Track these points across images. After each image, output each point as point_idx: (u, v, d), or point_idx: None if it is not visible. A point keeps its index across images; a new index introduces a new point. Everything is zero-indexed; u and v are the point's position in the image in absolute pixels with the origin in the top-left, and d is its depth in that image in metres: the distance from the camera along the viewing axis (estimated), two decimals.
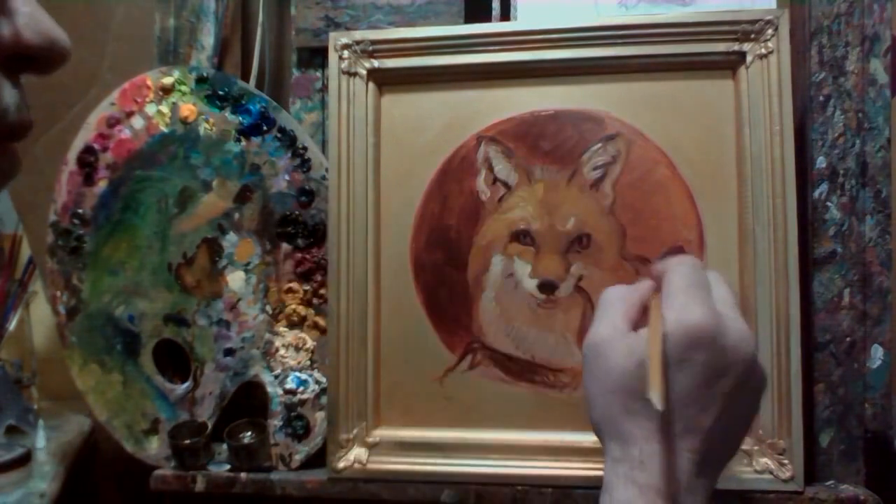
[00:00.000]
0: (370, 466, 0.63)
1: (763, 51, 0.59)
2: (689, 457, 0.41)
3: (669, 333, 0.40)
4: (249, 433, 0.66)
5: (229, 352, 0.68)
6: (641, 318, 0.45)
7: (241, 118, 0.68)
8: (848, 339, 0.61)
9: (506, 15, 0.68)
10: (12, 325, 0.86)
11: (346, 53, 0.64)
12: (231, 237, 0.68)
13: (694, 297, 0.42)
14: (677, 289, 0.42)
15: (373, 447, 0.63)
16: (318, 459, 0.65)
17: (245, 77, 0.73)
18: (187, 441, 0.65)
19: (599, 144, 0.62)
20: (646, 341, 0.41)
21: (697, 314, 0.41)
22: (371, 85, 0.65)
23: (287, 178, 0.67)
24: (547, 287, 0.62)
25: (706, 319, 0.40)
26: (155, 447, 0.69)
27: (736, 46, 0.60)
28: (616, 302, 0.45)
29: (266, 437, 0.65)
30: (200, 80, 0.68)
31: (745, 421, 0.44)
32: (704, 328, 0.40)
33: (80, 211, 0.70)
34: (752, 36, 0.60)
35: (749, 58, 0.60)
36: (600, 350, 0.43)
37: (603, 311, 0.45)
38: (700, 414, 0.41)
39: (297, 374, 0.66)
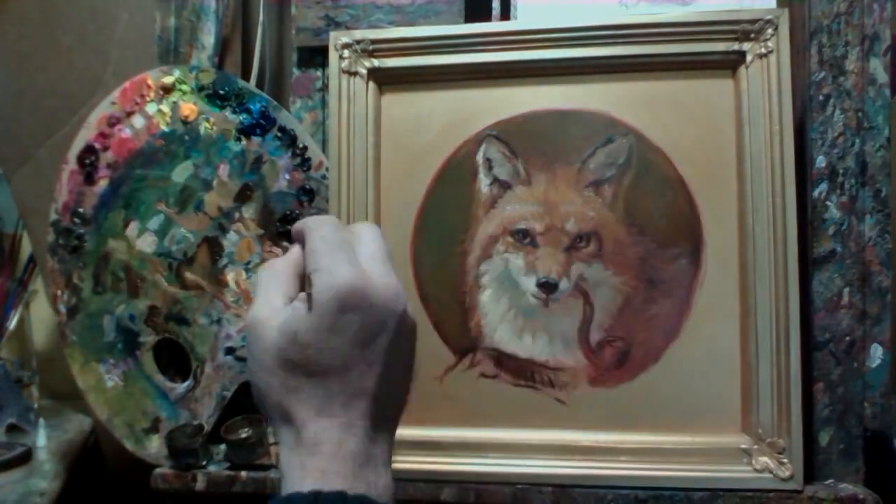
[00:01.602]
0: None
1: (763, 50, 0.59)
2: (361, 424, 0.40)
3: (318, 301, 0.39)
4: (246, 429, 0.66)
5: (230, 351, 0.68)
6: (297, 286, 0.44)
7: (241, 117, 0.68)
8: (847, 338, 0.61)
9: (506, 14, 0.68)
10: (13, 323, 0.86)
11: (346, 53, 0.64)
12: (231, 236, 0.68)
13: (338, 258, 0.40)
14: (319, 252, 0.41)
15: None
16: None
17: (245, 76, 0.73)
18: (184, 443, 0.65)
19: (600, 144, 0.62)
20: (298, 313, 0.40)
21: (344, 275, 0.39)
22: (371, 84, 0.65)
23: (287, 177, 0.67)
24: (547, 286, 0.62)
25: (353, 279, 0.39)
26: (155, 446, 0.69)
27: (736, 46, 0.60)
28: (270, 279, 0.43)
29: (263, 434, 0.66)
30: (202, 88, 0.69)
31: (407, 372, 0.43)
32: (353, 288, 0.39)
33: (80, 210, 0.71)
34: (752, 35, 0.60)
35: (749, 57, 0.60)
36: (257, 330, 0.41)
37: (259, 290, 0.43)
38: (362, 377, 0.40)
39: None
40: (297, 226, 0.45)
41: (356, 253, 0.42)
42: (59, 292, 0.72)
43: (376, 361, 0.40)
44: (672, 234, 0.61)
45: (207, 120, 0.69)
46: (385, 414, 0.41)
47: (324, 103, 0.71)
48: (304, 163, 0.67)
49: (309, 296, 0.40)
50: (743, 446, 0.59)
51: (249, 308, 0.43)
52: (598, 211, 0.62)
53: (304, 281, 0.44)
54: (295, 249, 0.45)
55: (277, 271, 0.44)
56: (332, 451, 0.39)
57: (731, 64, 0.61)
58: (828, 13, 0.62)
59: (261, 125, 0.68)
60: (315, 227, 0.43)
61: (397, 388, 0.43)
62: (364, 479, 0.39)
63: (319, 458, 0.39)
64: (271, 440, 0.66)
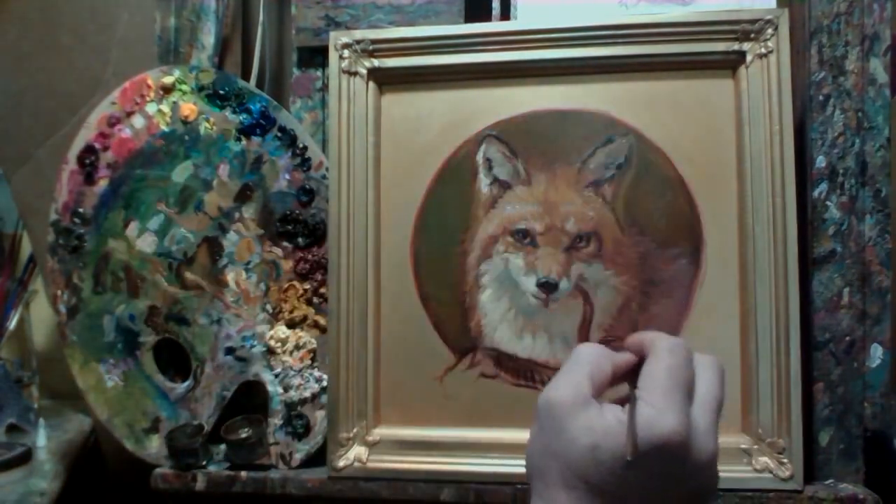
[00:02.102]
0: (370, 465, 0.63)
1: (763, 50, 0.59)
2: None
3: (638, 437, 0.38)
4: (246, 429, 0.66)
5: (230, 351, 0.68)
6: (607, 387, 0.43)
7: (241, 117, 0.68)
8: (847, 338, 0.61)
9: (506, 14, 0.68)
10: (13, 323, 0.86)
11: (346, 53, 0.64)
12: (231, 236, 0.68)
13: (671, 402, 0.39)
14: (658, 385, 0.40)
15: (373, 446, 0.63)
16: (318, 458, 0.65)
17: (245, 76, 0.73)
18: (184, 443, 0.65)
19: (599, 144, 0.62)
20: (612, 427, 0.39)
21: (671, 423, 0.38)
22: (371, 84, 0.65)
23: (287, 177, 0.67)
24: (547, 286, 0.62)
25: (677, 434, 0.38)
26: (155, 446, 0.69)
27: (736, 46, 0.60)
28: (585, 362, 0.42)
29: (263, 434, 0.66)
30: (202, 88, 0.69)
31: None
32: (672, 440, 0.38)
33: (80, 210, 0.71)
34: (752, 35, 0.60)
35: (749, 57, 0.60)
36: (556, 412, 0.41)
37: (569, 367, 0.43)
38: None
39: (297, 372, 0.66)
40: (644, 337, 0.44)
41: (693, 396, 0.41)
42: (59, 292, 0.72)
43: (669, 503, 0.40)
44: (672, 234, 0.61)
45: (207, 120, 0.69)
46: None
47: (324, 103, 0.71)
48: (304, 163, 0.67)
49: (631, 419, 0.39)
50: (743, 446, 0.59)
51: (554, 379, 0.42)
52: (598, 211, 0.62)
53: (622, 380, 0.43)
54: (626, 357, 0.44)
55: (596, 359, 0.43)
56: None
57: (731, 64, 0.61)
58: (828, 13, 0.62)
59: (261, 125, 0.68)
60: (667, 352, 0.42)
61: None
62: None
63: None
64: (271, 440, 0.66)
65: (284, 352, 0.67)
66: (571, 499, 0.39)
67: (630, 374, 0.43)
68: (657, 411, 0.39)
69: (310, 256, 0.67)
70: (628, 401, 0.40)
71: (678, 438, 0.38)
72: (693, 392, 0.41)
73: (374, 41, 0.64)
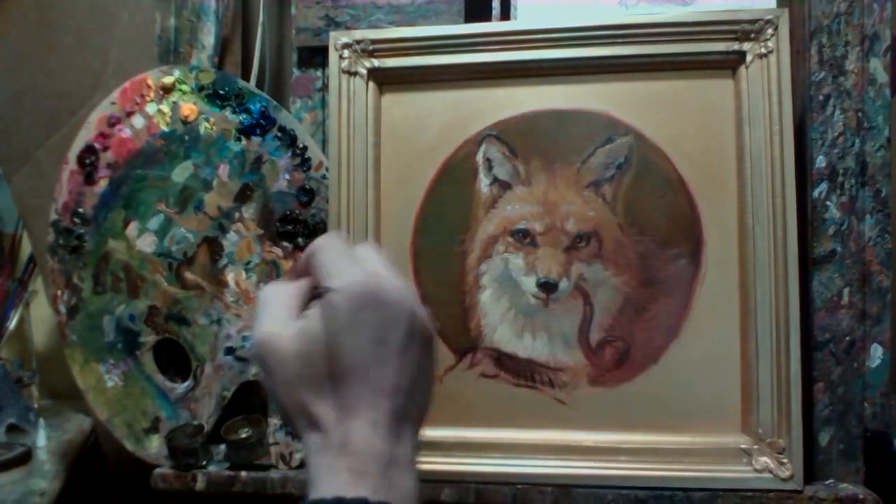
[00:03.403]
0: None
1: (763, 50, 0.59)
2: (385, 424, 0.40)
3: (335, 301, 0.40)
4: (246, 429, 0.66)
5: (230, 351, 0.68)
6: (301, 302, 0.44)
7: (241, 117, 0.68)
8: (847, 338, 0.61)
9: (506, 14, 0.68)
10: (13, 323, 0.86)
11: (346, 53, 0.64)
12: (231, 236, 0.68)
13: (348, 262, 0.42)
14: (330, 263, 0.42)
15: None
16: None
17: (245, 76, 0.73)
18: (184, 443, 0.65)
19: (599, 144, 0.62)
20: (314, 320, 0.41)
21: (357, 274, 0.41)
22: (371, 84, 0.65)
23: (287, 177, 0.67)
24: (547, 286, 0.62)
25: (366, 277, 0.41)
26: (155, 446, 0.69)
27: (736, 46, 0.60)
28: (274, 296, 0.44)
29: (263, 434, 0.66)
30: (202, 88, 0.69)
31: (426, 372, 0.44)
32: (366, 285, 0.41)
33: (80, 210, 0.71)
34: (752, 35, 0.60)
35: (749, 57, 0.60)
36: (270, 343, 0.42)
37: (263, 307, 0.44)
38: (382, 376, 0.41)
39: None
40: (304, 254, 0.46)
41: (362, 261, 0.43)
42: (59, 292, 0.72)
43: (392, 359, 0.41)
44: (672, 234, 0.61)
45: (207, 120, 0.69)
46: (407, 414, 0.42)
47: (324, 103, 0.71)
48: (304, 163, 0.67)
49: (324, 305, 0.41)
50: (743, 446, 0.59)
51: (255, 326, 0.44)
52: (598, 211, 0.62)
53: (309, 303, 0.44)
54: (303, 280, 0.46)
55: (281, 290, 0.45)
56: (360, 449, 0.39)
57: (731, 64, 0.61)
58: (828, 13, 0.62)
59: (261, 125, 0.68)
60: (322, 244, 0.44)
61: (417, 388, 0.43)
62: (389, 480, 0.39)
63: (348, 458, 0.39)
64: (271, 440, 0.66)
65: None
66: (325, 404, 0.40)
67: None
68: (339, 272, 0.41)
69: None
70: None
71: (368, 279, 0.41)
72: (364, 260, 0.43)
73: (374, 41, 0.64)
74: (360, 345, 0.40)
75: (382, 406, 0.41)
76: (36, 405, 0.84)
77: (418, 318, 0.42)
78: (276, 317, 0.43)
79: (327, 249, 0.44)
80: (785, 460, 0.58)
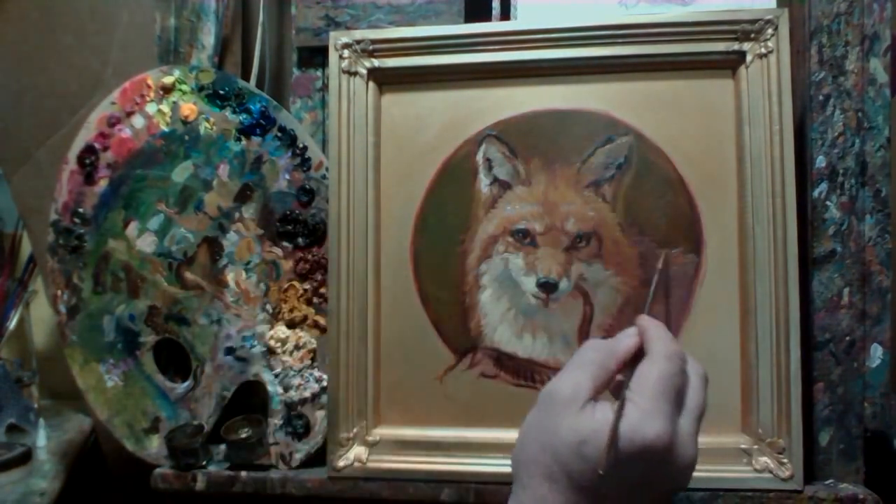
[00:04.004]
0: (370, 465, 0.63)
1: (763, 50, 0.59)
2: None
3: (622, 437, 0.40)
4: (246, 429, 0.66)
5: (230, 351, 0.68)
6: (610, 382, 0.45)
7: (241, 117, 0.68)
8: (847, 338, 0.61)
9: (506, 14, 0.68)
10: (13, 323, 0.86)
11: (346, 53, 0.64)
12: (231, 236, 0.68)
13: (659, 408, 0.41)
14: (649, 389, 0.42)
15: (373, 446, 0.63)
16: (318, 458, 0.65)
17: (245, 76, 0.73)
18: (184, 443, 0.65)
19: (600, 144, 0.62)
20: (598, 424, 0.41)
21: (656, 429, 0.40)
22: (371, 84, 0.65)
23: (287, 177, 0.67)
24: (547, 286, 0.62)
25: (661, 438, 0.40)
26: (155, 446, 0.69)
27: (736, 46, 0.60)
28: (590, 361, 0.44)
29: (263, 434, 0.66)
30: (202, 88, 0.69)
31: None
32: (655, 446, 0.40)
33: (80, 210, 0.71)
34: (752, 35, 0.60)
35: (749, 57, 0.60)
36: (554, 407, 0.43)
37: (575, 364, 0.44)
38: None
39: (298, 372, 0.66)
40: (646, 324, 0.46)
41: (682, 403, 0.43)
42: (59, 292, 0.72)
43: (645, 502, 0.42)
44: (672, 234, 0.61)
45: (207, 120, 0.69)
46: None
47: (324, 103, 0.71)
48: (304, 163, 0.67)
49: (614, 425, 0.40)
50: (743, 446, 0.59)
51: (559, 374, 0.44)
52: (598, 211, 0.62)
53: (620, 374, 0.45)
54: (631, 342, 0.46)
55: (600, 358, 0.45)
56: None
57: (731, 64, 0.61)
58: (828, 13, 0.62)
59: (261, 125, 0.68)
60: (664, 359, 0.43)
61: None
62: None
63: None
64: (271, 440, 0.66)
65: (284, 352, 0.67)
66: (553, 490, 0.41)
67: (627, 363, 0.45)
68: (644, 415, 0.40)
69: (310, 256, 0.67)
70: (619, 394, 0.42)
71: (661, 444, 0.40)
72: (682, 399, 0.43)
73: (374, 41, 0.64)
74: (616, 482, 0.40)
75: None
76: (36, 405, 0.84)
77: (688, 474, 0.42)
78: (580, 385, 0.43)
79: (661, 370, 0.42)
80: (785, 460, 0.58)
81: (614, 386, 0.46)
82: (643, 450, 0.40)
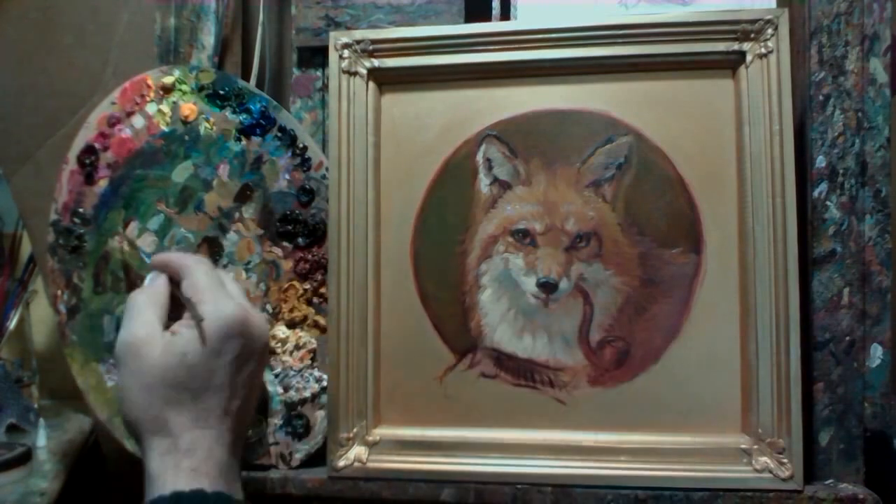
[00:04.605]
0: (370, 465, 0.63)
1: (763, 50, 0.59)
2: (228, 438, 0.47)
3: (208, 328, 0.47)
4: None
5: None
6: (166, 313, 0.52)
7: (241, 117, 0.68)
8: (847, 338, 0.61)
9: (506, 14, 0.68)
10: (13, 323, 0.86)
11: (346, 53, 0.64)
12: (231, 236, 0.68)
13: (222, 293, 0.49)
14: (204, 287, 0.50)
15: (373, 446, 0.63)
16: (318, 458, 0.65)
17: (245, 76, 0.73)
18: None
19: (600, 144, 0.62)
20: (186, 337, 0.47)
21: (231, 308, 0.48)
22: (371, 84, 0.65)
23: (287, 177, 0.67)
24: (547, 286, 0.62)
25: (238, 311, 0.48)
26: None
27: (736, 46, 0.60)
28: (147, 304, 0.51)
29: (263, 434, 0.66)
30: (202, 88, 0.69)
31: (256, 395, 0.54)
32: (237, 319, 0.48)
33: (80, 210, 0.71)
34: (752, 35, 0.60)
35: (749, 57, 0.60)
36: (138, 349, 0.48)
37: (134, 313, 0.50)
38: (233, 397, 0.48)
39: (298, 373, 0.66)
40: (164, 258, 0.55)
41: (234, 294, 0.52)
42: (59, 292, 0.71)
43: (244, 385, 0.49)
44: (672, 234, 0.61)
45: (207, 120, 0.69)
46: (242, 430, 0.50)
47: (324, 103, 0.71)
48: (304, 163, 0.67)
49: (199, 324, 0.47)
50: (743, 446, 0.59)
51: (124, 328, 0.49)
52: (598, 211, 0.62)
53: (174, 308, 0.52)
54: (163, 279, 0.54)
55: (153, 298, 0.52)
56: (204, 455, 0.46)
57: (731, 64, 0.61)
58: (828, 13, 0.62)
59: (261, 125, 0.68)
60: (194, 264, 0.52)
61: (251, 410, 0.52)
62: (224, 480, 0.46)
63: (193, 459, 0.45)
64: (271, 440, 0.66)
65: (284, 352, 0.67)
66: (180, 413, 0.46)
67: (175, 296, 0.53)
68: (213, 303, 0.49)
69: (310, 256, 0.67)
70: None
71: (240, 314, 0.48)
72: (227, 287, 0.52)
73: (374, 41, 0.64)
74: (221, 369, 0.47)
75: (227, 423, 0.48)
76: (36, 405, 0.84)
77: (266, 349, 0.52)
78: (148, 324, 0.49)
79: (201, 274, 0.51)
80: (785, 460, 0.58)
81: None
82: (232, 327, 0.47)
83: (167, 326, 0.51)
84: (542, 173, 0.63)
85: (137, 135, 0.70)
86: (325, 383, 0.66)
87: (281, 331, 0.67)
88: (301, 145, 0.67)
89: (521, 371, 0.63)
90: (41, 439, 0.78)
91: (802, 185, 0.61)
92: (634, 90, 0.62)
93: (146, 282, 0.56)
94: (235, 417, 0.48)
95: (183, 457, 0.45)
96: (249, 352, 0.49)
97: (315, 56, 0.71)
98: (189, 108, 0.69)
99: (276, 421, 0.66)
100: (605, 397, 0.61)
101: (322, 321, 0.66)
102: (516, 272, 0.63)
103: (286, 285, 0.67)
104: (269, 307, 0.67)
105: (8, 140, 0.81)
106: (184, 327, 0.48)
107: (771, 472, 0.58)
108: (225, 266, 0.68)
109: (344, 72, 0.65)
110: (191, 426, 0.46)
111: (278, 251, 0.67)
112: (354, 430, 0.63)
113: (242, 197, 0.68)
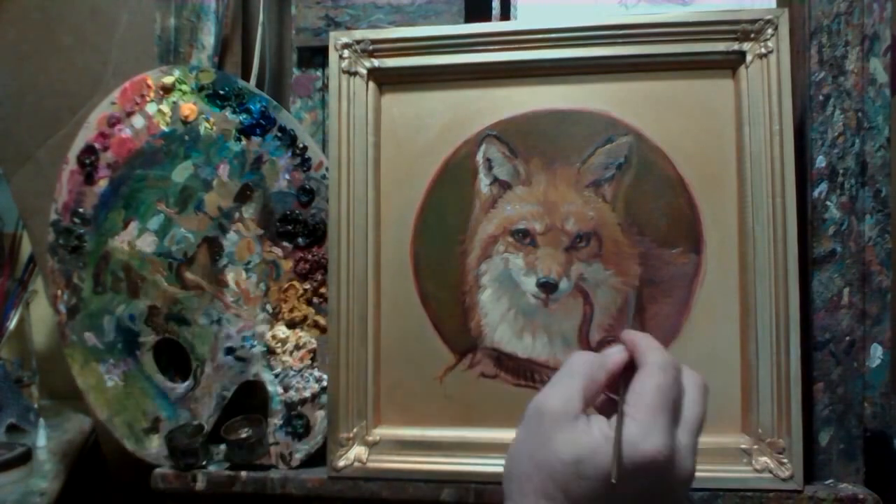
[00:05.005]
0: (370, 465, 0.63)
1: (763, 50, 0.59)
2: None
3: (622, 454, 0.39)
4: (246, 429, 0.66)
5: (230, 351, 0.68)
6: (599, 394, 0.43)
7: (241, 117, 0.68)
8: (847, 338, 0.61)
9: (506, 14, 0.68)
10: (13, 323, 0.86)
11: (346, 53, 0.64)
12: (232, 236, 0.68)
13: (658, 421, 0.40)
14: (646, 403, 0.40)
15: (373, 446, 0.63)
16: (318, 458, 0.65)
17: (245, 76, 0.73)
18: (184, 443, 0.65)
19: (600, 144, 0.62)
20: (597, 439, 0.40)
21: (656, 444, 0.39)
22: (371, 84, 0.65)
23: (287, 177, 0.67)
24: (547, 286, 0.62)
25: (662, 453, 0.39)
26: (155, 446, 0.69)
27: (736, 46, 0.60)
28: (579, 373, 0.43)
29: (263, 434, 0.66)
30: (202, 88, 0.69)
31: None
32: (656, 461, 0.39)
33: (80, 210, 0.71)
34: (752, 35, 0.60)
35: (749, 57, 0.60)
36: (545, 421, 0.41)
37: (563, 376, 0.43)
38: None
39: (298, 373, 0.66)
40: (637, 342, 0.44)
41: (679, 415, 0.41)
42: (59, 292, 0.72)
43: None
44: (672, 234, 0.61)
45: (207, 120, 0.69)
46: None
47: (324, 103, 0.71)
48: (304, 163, 0.67)
49: (618, 436, 0.39)
50: (743, 446, 0.59)
51: (547, 386, 0.43)
52: (598, 211, 0.62)
53: (612, 387, 0.43)
54: (620, 358, 0.44)
55: (589, 370, 0.43)
56: None
57: (731, 64, 0.61)
58: (828, 13, 0.62)
59: (261, 125, 0.68)
60: (658, 369, 0.42)
61: None
62: None
63: None
64: (271, 440, 0.66)
65: (284, 352, 0.67)
66: None
67: (619, 379, 0.44)
68: (643, 430, 0.39)
69: (310, 256, 0.67)
70: (615, 410, 0.41)
71: (662, 459, 0.39)
72: (679, 411, 0.41)
73: (374, 41, 0.64)
74: (613, 498, 0.39)
75: None
76: (36, 405, 0.84)
77: (687, 486, 0.41)
78: (570, 398, 0.41)
79: (657, 383, 0.41)
80: (785, 460, 0.58)
81: (600, 403, 0.44)
82: (643, 465, 0.39)
83: (596, 404, 0.44)
84: (542, 173, 0.63)
85: (137, 135, 0.70)
86: (325, 383, 0.66)
87: (281, 331, 0.67)
88: (301, 145, 0.67)
89: (521, 371, 0.63)
90: (41, 439, 0.78)
91: (802, 185, 0.61)
92: (634, 90, 0.62)
93: (610, 350, 0.46)
94: None
95: None
96: (660, 491, 0.40)
97: (315, 56, 0.71)
98: (189, 108, 0.69)
99: (276, 421, 0.66)
100: None
101: (322, 321, 0.66)
102: (516, 272, 0.63)
103: (286, 285, 0.67)
104: (269, 307, 0.67)
105: (8, 140, 0.81)
106: (602, 427, 0.40)
107: (771, 472, 0.58)
108: (225, 266, 0.68)
109: (344, 72, 0.65)
110: None
111: (278, 251, 0.67)
112: (354, 430, 0.63)
113: (242, 197, 0.68)
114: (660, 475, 0.39)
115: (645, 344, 0.44)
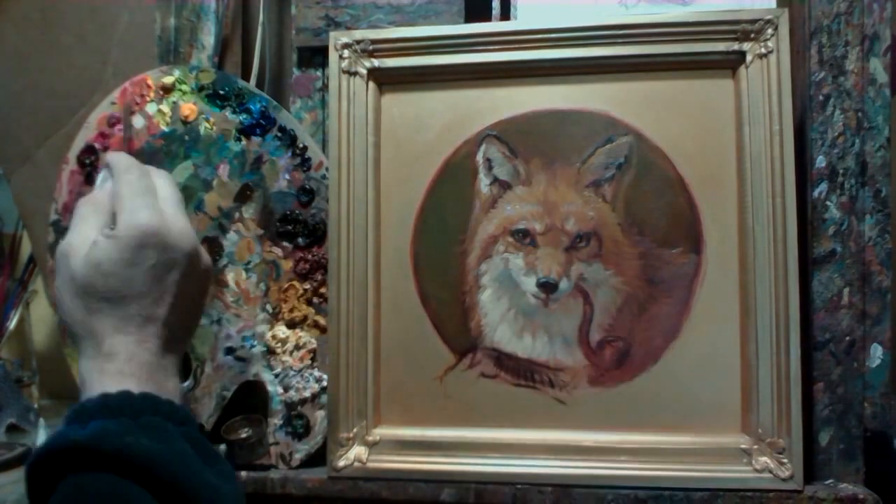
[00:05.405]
0: (370, 465, 0.63)
1: (763, 50, 0.59)
2: (153, 342, 0.49)
3: (121, 236, 0.48)
4: (246, 429, 0.66)
5: (230, 351, 0.68)
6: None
7: (241, 117, 0.68)
8: (847, 338, 0.61)
9: (506, 14, 0.68)
10: (13, 323, 0.86)
11: (346, 53, 0.64)
12: (231, 236, 0.68)
13: (141, 201, 0.50)
14: (125, 195, 0.50)
15: (373, 446, 0.63)
16: (318, 458, 0.65)
17: (245, 76, 0.73)
18: None
19: (600, 144, 0.62)
20: (101, 246, 0.48)
21: (144, 216, 0.49)
22: (371, 84, 0.65)
23: (287, 177, 0.67)
24: (547, 286, 0.62)
25: (152, 220, 0.49)
26: None
27: (736, 46, 0.60)
28: (89, 213, 0.52)
29: (263, 434, 0.66)
30: (202, 88, 0.69)
31: (198, 302, 0.55)
32: (151, 227, 0.48)
33: None
34: (752, 35, 0.60)
35: (749, 57, 0.60)
36: (67, 258, 0.49)
37: (77, 220, 0.52)
38: (155, 305, 0.49)
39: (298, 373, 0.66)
40: (109, 160, 0.54)
41: (157, 198, 0.51)
42: None
43: (168, 292, 0.49)
44: (672, 234, 0.61)
45: (207, 120, 0.69)
46: (175, 336, 0.51)
47: (324, 103, 0.71)
48: (304, 163, 0.67)
49: (113, 233, 0.49)
50: (743, 446, 0.59)
51: (67, 235, 0.51)
52: (598, 211, 0.62)
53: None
54: (110, 184, 0.53)
55: (95, 205, 0.52)
56: (126, 358, 0.47)
57: (731, 64, 0.61)
58: (828, 13, 0.62)
59: (261, 125, 0.68)
60: (122, 171, 0.52)
61: (187, 316, 0.53)
62: (154, 381, 0.48)
63: (116, 363, 0.47)
64: (271, 440, 0.66)
65: (284, 352, 0.67)
66: (101, 320, 0.48)
67: None
68: (129, 211, 0.49)
69: (310, 256, 0.67)
70: None
71: (154, 222, 0.49)
72: (156, 195, 0.52)
73: (374, 41, 0.64)
74: (138, 278, 0.48)
75: (151, 329, 0.49)
76: (36, 405, 0.84)
77: (195, 258, 0.51)
78: (83, 233, 0.50)
79: (127, 180, 0.51)
80: (785, 460, 0.58)
81: None
82: (142, 236, 0.48)
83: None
84: (542, 173, 0.63)
85: (137, 135, 0.70)
86: (325, 383, 0.66)
87: (281, 331, 0.67)
88: (301, 145, 0.67)
89: (521, 371, 0.63)
90: (41, 439, 0.78)
91: (802, 185, 0.61)
92: (634, 90, 0.62)
93: (97, 183, 0.57)
94: (162, 325, 0.49)
95: (105, 360, 0.47)
96: (168, 261, 0.49)
97: (315, 56, 0.71)
98: (189, 108, 0.69)
99: (276, 421, 0.66)
100: (605, 397, 0.61)
101: (322, 321, 0.66)
102: (516, 272, 0.63)
103: (286, 285, 0.67)
104: (269, 307, 0.67)
105: (8, 140, 0.81)
106: (103, 237, 0.49)
107: (771, 472, 0.58)
108: (225, 266, 0.68)
109: (344, 72, 0.65)
110: (112, 332, 0.48)
111: (278, 251, 0.67)
112: (354, 430, 0.63)
113: (242, 197, 0.68)
114: (161, 243, 0.49)
115: (113, 160, 0.54)
